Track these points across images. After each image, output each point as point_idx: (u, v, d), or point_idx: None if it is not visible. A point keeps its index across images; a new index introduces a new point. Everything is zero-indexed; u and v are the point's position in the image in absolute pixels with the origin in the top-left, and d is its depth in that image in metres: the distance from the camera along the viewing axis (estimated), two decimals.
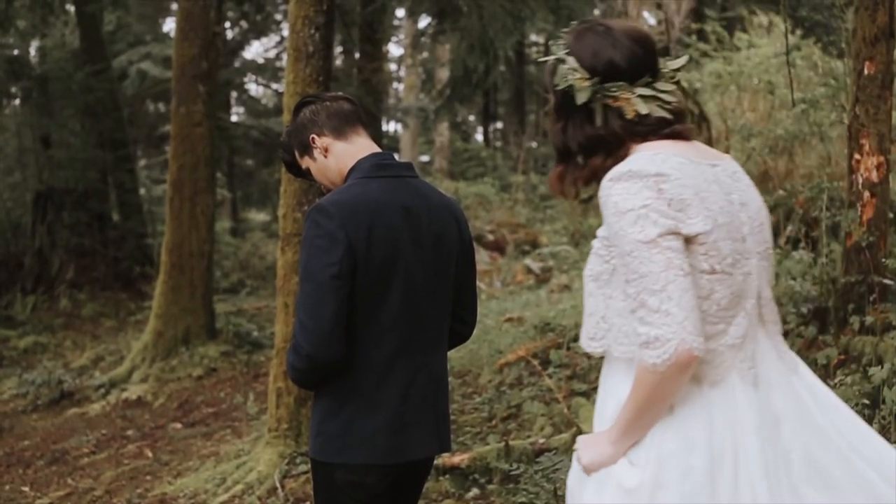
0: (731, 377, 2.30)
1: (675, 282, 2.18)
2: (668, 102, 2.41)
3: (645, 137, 2.39)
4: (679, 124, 2.43)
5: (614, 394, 2.42)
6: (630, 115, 2.38)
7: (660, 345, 2.17)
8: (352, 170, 3.17)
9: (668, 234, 2.20)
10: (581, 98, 2.39)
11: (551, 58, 2.48)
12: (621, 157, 2.38)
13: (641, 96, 2.38)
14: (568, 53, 2.44)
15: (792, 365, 2.46)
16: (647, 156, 2.30)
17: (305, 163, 3.31)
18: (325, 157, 3.24)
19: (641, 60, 2.41)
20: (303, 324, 2.93)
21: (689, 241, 2.24)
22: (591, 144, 2.42)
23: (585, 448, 2.42)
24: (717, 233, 2.26)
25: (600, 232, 2.39)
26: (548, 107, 2.60)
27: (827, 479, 2.28)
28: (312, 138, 3.24)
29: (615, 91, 2.37)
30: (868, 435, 2.42)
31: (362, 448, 3.02)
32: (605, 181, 2.29)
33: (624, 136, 2.39)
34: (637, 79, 2.39)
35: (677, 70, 2.48)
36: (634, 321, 2.25)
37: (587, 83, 2.39)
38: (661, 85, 2.43)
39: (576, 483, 2.48)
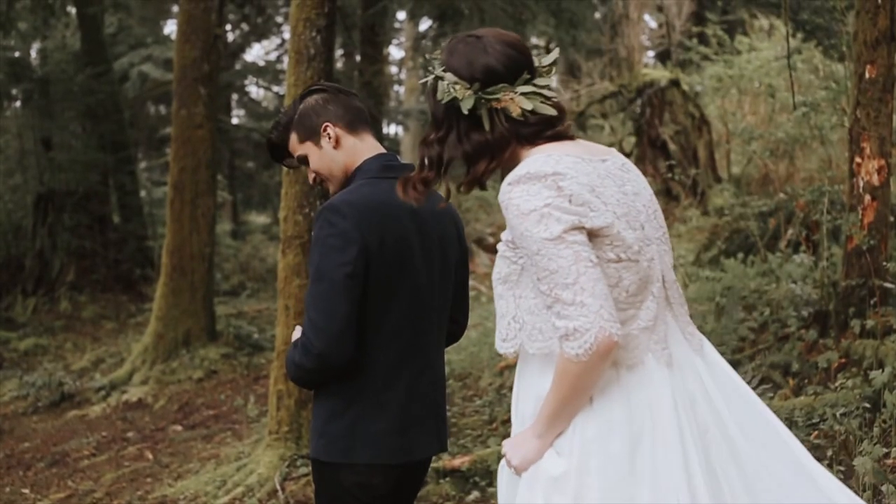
0: (646, 359, 2.38)
1: (586, 273, 2.24)
2: (548, 98, 2.48)
3: (532, 142, 2.47)
4: (561, 123, 2.50)
5: (532, 391, 2.48)
6: (515, 113, 2.44)
7: (579, 335, 2.22)
8: (358, 169, 3.16)
9: (573, 230, 2.26)
10: (466, 106, 2.44)
11: (430, 77, 2.54)
12: (504, 163, 2.48)
13: (524, 94, 2.45)
14: (445, 70, 2.50)
15: (697, 346, 2.55)
16: (541, 158, 2.35)
17: (305, 149, 3.23)
18: (335, 148, 3.18)
19: (516, 61, 2.47)
20: (314, 322, 2.91)
21: (593, 233, 2.31)
22: (478, 151, 2.48)
23: (513, 449, 2.47)
24: (619, 224, 2.33)
25: (504, 235, 2.46)
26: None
27: (734, 464, 2.39)
28: (326, 126, 3.18)
29: (497, 93, 2.44)
30: (762, 418, 2.52)
31: (369, 448, 3.02)
32: (505, 185, 2.35)
33: (510, 138, 2.46)
34: (516, 79, 2.46)
35: (551, 65, 2.55)
36: (552, 316, 2.30)
37: (469, 91, 2.44)
38: (539, 80, 2.50)
39: (506, 486, 2.55)
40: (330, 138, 3.18)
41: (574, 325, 2.23)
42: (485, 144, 2.47)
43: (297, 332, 3.09)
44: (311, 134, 3.20)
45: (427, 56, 2.63)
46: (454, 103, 2.47)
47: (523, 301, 2.44)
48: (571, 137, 2.51)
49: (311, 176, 3.26)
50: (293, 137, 3.25)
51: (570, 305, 2.24)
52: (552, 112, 2.47)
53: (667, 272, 2.50)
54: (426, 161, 2.55)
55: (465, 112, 2.45)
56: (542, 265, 2.27)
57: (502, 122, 2.45)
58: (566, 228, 2.25)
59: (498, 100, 2.44)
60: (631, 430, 2.31)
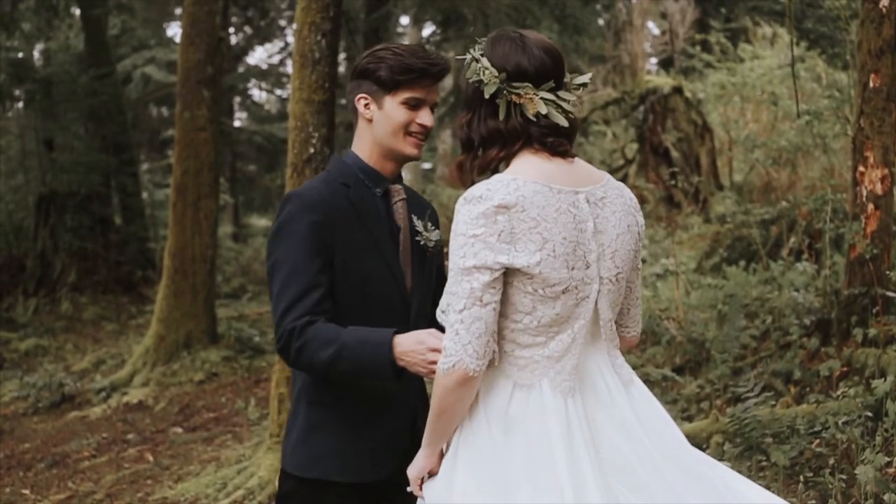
0: (542, 383, 2.53)
1: (471, 310, 2.44)
2: (567, 111, 2.61)
3: (532, 144, 2.59)
4: (568, 139, 2.63)
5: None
6: (531, 112, 2.57)
7: (446, 356, 2.46)
8: None
9: (483, 268, 2.43)
10: (488, 91, 2.58)
11: (468, 56, 2.67)
12: (514, 153, 2.60)
13: (543, 99, 2.58)
14: (482, 55, 2.64)
15: (627, 380, 2.69)
16: (504, 180, 2.48)
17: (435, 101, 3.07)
18: None
19: (547, 68, 2.60)
20: None
21: (513, 268, 2.45)
22: (491, 137, 2.61)
23: (411, 465, 2.71)
24: (546, 264, 2.46)
25: None
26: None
27: (636, 480, 2.50)
28: None
29: (519, 89, 2.57)
30: (680, 448, 2.66)
31: None
32: (461, 199, 2.50)
33: (521, 132, 2.58)
34: (541, 83, 2.59)
35: (582, 85, 2.69)
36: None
37: (495, 79, 2.58)
38: (563, 94, 2.63)
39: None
40: None
41: (447, 344, 2.47)
42: (497, 132, 2.59)
43: None
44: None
45: (476, 39, 2.74)
46: (479, 86, 2.60)
47: None
48: (566, 156, 2.61)
49: (432, 122, 3.05)
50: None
51: (451, 327, 2.46)
52: (563, 123, 2.58)
53: (604, 311, 2.61)
54: (462, 144, 2.70)
55: (487, 97, 2.59)
56: (450, 283, 2.49)
57: (517, 116, 2.58)
58: (477, 265, 2.42)
59: (519, 95, 2.57)
60: (507, 438, 2.50)
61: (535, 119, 2.56)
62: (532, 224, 2.45)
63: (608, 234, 2.58)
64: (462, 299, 2.44)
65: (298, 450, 3.01)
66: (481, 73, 2.60)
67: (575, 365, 2.57)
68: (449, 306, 2.50)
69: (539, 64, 2.58)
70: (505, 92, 2.57)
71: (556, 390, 2.53)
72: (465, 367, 2.44)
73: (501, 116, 2.58)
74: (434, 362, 2.59)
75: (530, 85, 2.57)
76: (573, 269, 2.50)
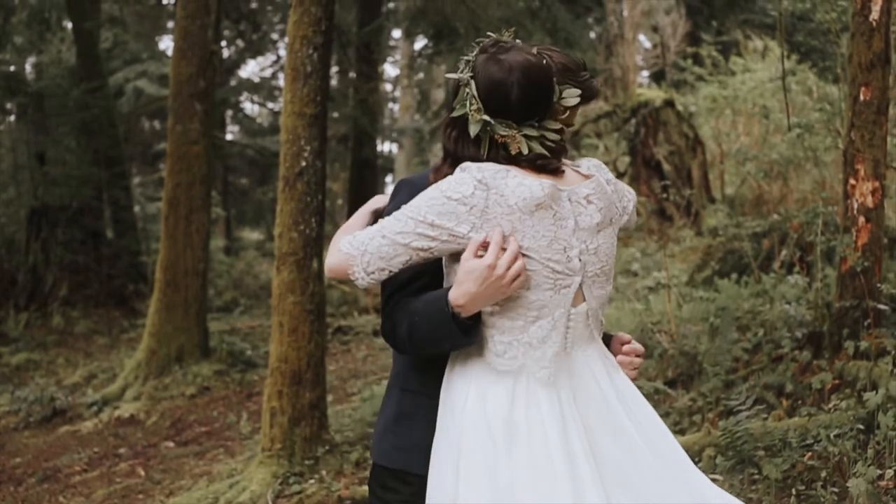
0: (521, 371, 2.57)
1: (396, 237, 2.52)
2: (552, 141, 2.62)
3: (519, 165, 2.61)
4: (556, 158, 2.64)
5: (469, 385, 2.64)
6: (513, 151, 2.59)
7: (351, 243, 2.57)
8: None
9: (438, 227, 2.50)
10: (472, 130, 2.61)
11: (456, 75, 2.68)
12: None
13: (526, 135, 2.59)
14: (472, 77, 2.63)
15: (613, 368, 2.75)
16: (496, 166, 2.55)
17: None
18: None
19: (533, 103, 2.60)
20: None
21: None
22: (474, 161, 2.63)
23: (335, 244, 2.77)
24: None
25: None
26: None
27: (629, 481, 2.55)
28: None
29: (502, 130, 2.59)
30: (665, 438, 2.70)
31: None
32: (458, 167, 2.58)
33: (502, 164, 2.59)
34: (525, 120, 2.60)
35: (569, 108, 2.67)
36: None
37: (479, 117, 2.59)
38: (548, 123, 2.64)
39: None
40: None
41: (357, 235, 2.58)
42: (478, 160, 2.61)
43: None
44: None
45: (477, 42, 2.72)
46: (465, 115, 2.62)
47: None
48: (556, 174, 2.64)
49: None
50: None
51: (370, 230, 2.58)
52: (546, 154, 2.60)
53: (590, 301, 2.66)
54: (444, 151, 2.74)
55: (471, 132, 2.61)
56: (397, 213, 2.54)
57: (498, 152, 2.61)
58: (435, 223, 2.50)
59: (502, 136, 2.58)
60: (508, 441, 2.50)
61: (517, 155, 2.59)
62: (507, 210, 2.49)
63: (590, 231, 2.62)
64: (398, 228, 2.52)
65: (386, 438, 2.90)
66: (468, 103, 2.60)
67: (555, 353, 2.59)
68: (380, 222, 2.58)
69: (525, 101, 2.58)
70: (488, 129, 2.59)
71: (535, 379, 2.55)
72: (352, 266, 2.56)
73: (483, 153, 2.61)
74: (507, 277, 2.50)
75: (513, 123, 2.58)
76: (549, 260, 2.54)
